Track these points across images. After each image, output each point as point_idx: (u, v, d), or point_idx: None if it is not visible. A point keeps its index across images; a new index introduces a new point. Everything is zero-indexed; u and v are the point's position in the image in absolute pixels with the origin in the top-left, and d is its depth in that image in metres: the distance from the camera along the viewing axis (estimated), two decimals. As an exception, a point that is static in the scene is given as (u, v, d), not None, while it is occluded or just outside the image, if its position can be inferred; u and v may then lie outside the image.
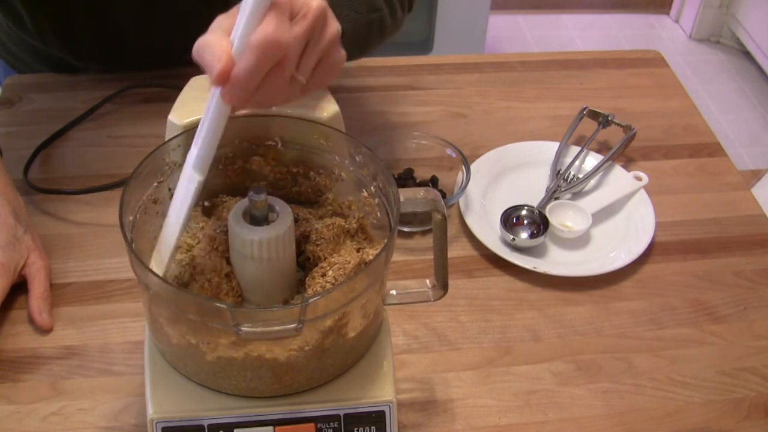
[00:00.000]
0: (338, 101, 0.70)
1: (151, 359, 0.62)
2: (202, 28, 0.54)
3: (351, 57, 0.71)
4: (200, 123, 0.55)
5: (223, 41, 0.52)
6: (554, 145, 0.95)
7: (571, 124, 0.98)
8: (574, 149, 0.96)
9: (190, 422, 0.59)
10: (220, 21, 0.55)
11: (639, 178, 0.92)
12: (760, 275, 0.85)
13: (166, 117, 0.68)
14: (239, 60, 0.52)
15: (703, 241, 0.88)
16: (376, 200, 0.64)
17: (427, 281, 0.66)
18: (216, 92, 0.53)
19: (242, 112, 0.60)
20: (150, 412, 0.59)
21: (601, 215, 0.88)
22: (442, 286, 0.65)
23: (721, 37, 2.93)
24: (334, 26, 0.58)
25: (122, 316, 0.76)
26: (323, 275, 0.61)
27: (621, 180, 0.92)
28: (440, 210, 0.61)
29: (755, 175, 2.19)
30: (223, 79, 0.52)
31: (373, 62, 1.08)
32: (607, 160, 0.94)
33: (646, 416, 0.71)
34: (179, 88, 0.71)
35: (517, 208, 0.87)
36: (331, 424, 0.60)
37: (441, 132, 0.96)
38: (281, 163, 0.67)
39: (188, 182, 0.56)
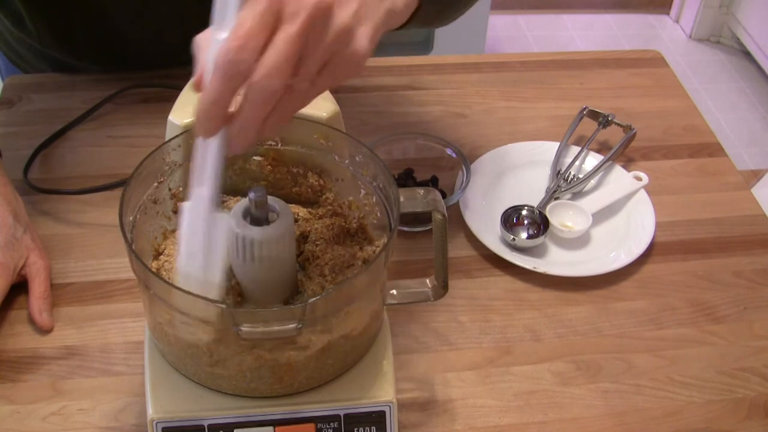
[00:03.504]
0: (338, 101, 0.70)
1: (151, 359, 0.62)
2: (201, 28, 0.54)
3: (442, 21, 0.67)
4: (201, 160, 0.52)
5: (205, 42, 0.50)
6: (554, 145, 0.95)
7: (571, 124, 0.98)
8: (574, 149, 0.96)
9: (190, 422, 0.59)
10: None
11: (639, 178, 0.92)
12: (760, 275, 0.85)
13: (166, 117, 0.68)
14: (206, 85, 0.48)
15: (703, 241, 0.88)
16: (376, 200, 0.64)
17: (427, 281, 0.66)
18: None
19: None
20: (150, 412, 0.59)
21: (601, 215, 0.88)
22: (442, 286, 0.65)
23: (721, 37, 2.93)
24: (343, 17, 0.51)
25: (122, 316, 0.76)
26: (322, 275, 0.61)
27: (621, 180, 0.92)
28: (440, 210, 0.61)
29: (755, 175, 2.19)
30: (196, 88, 0.49)
31: (373, 62, 1.08)
32: (607, 160, 0.94)
33: (646, 416, 0.71)
34: (179, 88, 0.72)
35: (517, 208, 0.87)
36: (331, 424, 0.60)
37: (441, 132, 0.96)
38: (281, 163, 0.67)
39: (221, 224, 0.53)
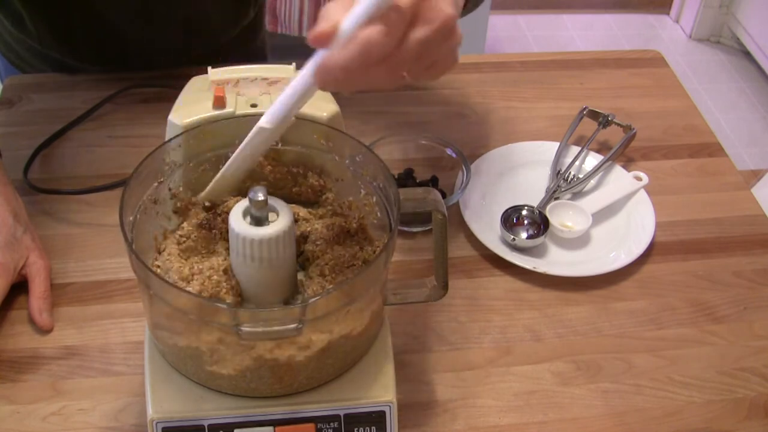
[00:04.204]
0: (338, 101, 0.70)
1: (151, 359, 0.62)
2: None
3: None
4: (290, 84, 0.55)
5: (341, 10, 0.51)
6: (554, 145, 0.95)
7: (571, 124, 0.98)
8: (574, 149, 0.96)
9: (190, 422, 0.59)
10: None
11: (639, 178, 0.92)
12: (760, 275, 0.85)
13: (166, 117, 0.68)
14: (341, 48, 0.50)
15: (703, 241, 0.88)
16: (376, 200, 0.64)
17: (427, 281, 0.66)
18: (316, 58, 0.52)
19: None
20: (150, 412, 0.59)
21: (601, 215, 0.88)
22: (442, 286, 0.65)
23: (721, 37, 2.93)
24: (458, 35, 0.56)
25: (122, 316, 0.76)
26: (322, 275, 0.61)
27: (621, 180, 0.92)
28: (440, 210, 0.61)
29: (755, 175, 2.19)
30: (316, 40, 0.51)
31: (373, 62, 1.08)
32: (607, 160, 0.94)
33: (646, 416, 0.71)
34: (179, 88, 0.72)
35: (517, 208, 0.87)
36: (331, 424, 0.60)
37: (441, 132, 0.96)
38: (281, 163, 0.67)
39: (255, 132, 0.56)
